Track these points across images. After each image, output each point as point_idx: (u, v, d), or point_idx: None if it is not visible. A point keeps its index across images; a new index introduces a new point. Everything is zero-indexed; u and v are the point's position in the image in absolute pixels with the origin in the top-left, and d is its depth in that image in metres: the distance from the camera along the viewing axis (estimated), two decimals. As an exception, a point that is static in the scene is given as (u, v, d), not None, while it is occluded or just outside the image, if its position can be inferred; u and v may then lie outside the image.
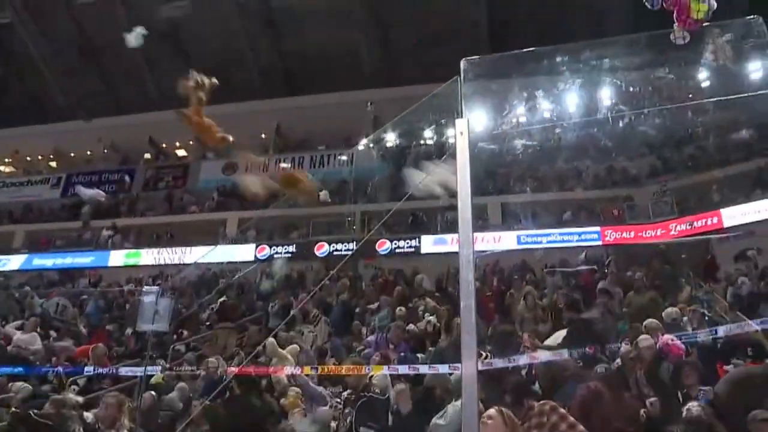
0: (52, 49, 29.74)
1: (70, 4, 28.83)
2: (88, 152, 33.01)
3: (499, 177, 22.76)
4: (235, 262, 21.33)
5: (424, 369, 8.75)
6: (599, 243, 20.11)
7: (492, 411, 4.06)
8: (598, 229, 20.62)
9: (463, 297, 3.71)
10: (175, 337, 13.10)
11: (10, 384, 9.92)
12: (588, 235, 20.54)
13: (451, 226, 20.94)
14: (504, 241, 20.35)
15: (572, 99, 7.10)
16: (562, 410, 4.23)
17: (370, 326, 12.71)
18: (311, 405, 7.89)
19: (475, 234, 3.99)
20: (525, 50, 5.00)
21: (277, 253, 22.29)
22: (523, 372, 7.95)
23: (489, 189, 22.28)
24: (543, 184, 22.89)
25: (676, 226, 19.54)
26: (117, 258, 25.23)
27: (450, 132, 21.00)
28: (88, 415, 7.20)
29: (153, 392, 9.25)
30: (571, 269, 15.87)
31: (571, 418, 4.16)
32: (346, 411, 7.76)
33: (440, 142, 22.94)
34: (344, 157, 26.33)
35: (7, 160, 34.19)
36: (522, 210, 20.79)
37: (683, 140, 22.44)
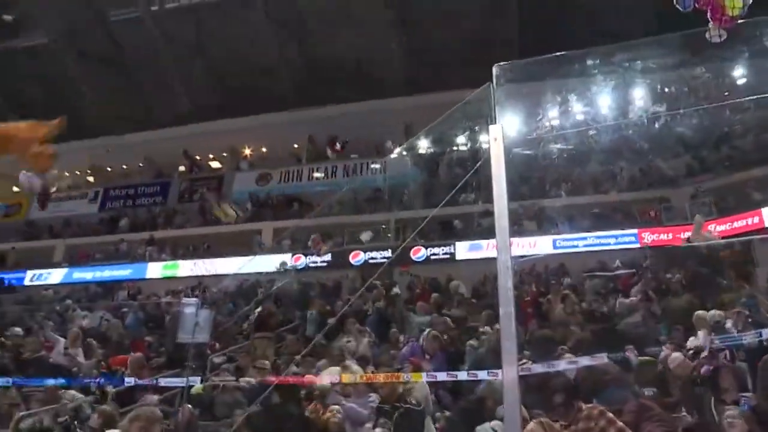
0: (87, 66, 30.23)
1: (104, 22, 29.32)
2: (124, 166, 33.53)
3: (533, 181, 22.55)
4: (272, 272, 21.44)
5: (462, 376, 8.71)
6: (636, 245, 19.84)
7: (532, 424, 4.04)
8: (635, 231, 20.33)
9: (502, 304, 3.70)
10: (209, 351, 13.19)
11: (62, 391, 10.12)
12: (625, 238, 20.28)
13: (486, 232, 20.88)
14: (540, 246, 20.22)
15: (606, 101, 7.05)
16: (610, 414, 4.19)
17: (408, 335, 12.69)
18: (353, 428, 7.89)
19: (511, 239, 3.98)
20: (557, 54, 4.97)
21: (313, 262, 22.36)
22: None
23: (524, 194, 22.13)
24: (578, 187, 22.63)
25: (715, 227, 19.21)
26: (155, 270, 25.53)
27: (483, 138, 20.89)
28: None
29: (190, 405, 9.32)
30: (609, 273, 15.68)
31: (620, 423, 4.11)
32: (381, 421, 7.72)
33: (474, 149, 22.86)
34: (377, 165, 26.36)
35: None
36: (558, 214, 20.58)
37: (721, 139, 22.01)
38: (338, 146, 28.46)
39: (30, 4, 27.93)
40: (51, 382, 10.84)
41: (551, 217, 20.63)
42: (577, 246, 20.29)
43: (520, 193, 20.71)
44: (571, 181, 22.66)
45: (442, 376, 8.69)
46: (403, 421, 7.48)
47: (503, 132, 4.03)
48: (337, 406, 8.06)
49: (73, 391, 10.26)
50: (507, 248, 3.87)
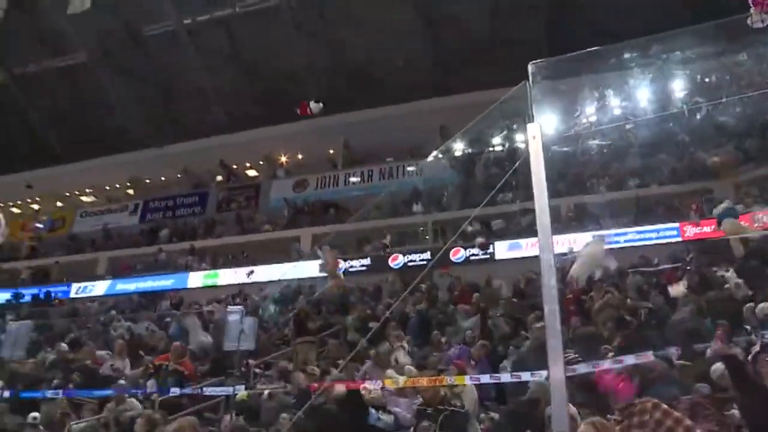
0: (124, 82, 30.70)
1: (138, 39, 29.77)
2: (162, 178, 33.99)
3: (571, 177, 22.28)
4: (312, 278, 21.54)
5: (506, 378, 8.64)
6: (678, 239, 19.47)
7: (583, 426, 3.98)
8: (677, 225, 19.92)
9: (547, 302, 3.67)
10: (249, 361, 13.29)
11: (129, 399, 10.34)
12: (667, 232, 19.91)
13: (525, 231, 20.72)
14: (580, 242, 19.88)
15: (644, 94, 6.95)
16: (665, 406, 4.11)
17: (450, 337, 12.64)
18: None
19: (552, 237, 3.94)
20: (592, 49, 4.91)
21: (352, 266, 22.41)
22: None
23: (561, 191, 21.91)
24: (618, 182, 22.29)
25: (762, 217, 18.67)
26: (196, 279, 25.81)
27: (519, 137, 20.84)
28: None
29: (235, 412, 9.41)
30: (652, 269, 15.45)
31: (676, 414, 4.04)
32: (425, 424, 7.67)
33: (510, 148, 22.72)
34: (412, 168, 26.35)
35: (87, 190, 35.45)
36: (598, 210, 20.28)
37: (765, 127, 21.43)
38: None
39: (68, 23, 28.43)
40: (100, 392, 11.06)
41: (592, 213, 20.35)
42: (618, 242, 19.96)
43: (557, 190, 20.50)
44: (610, 176, 22.34)
45: (485, 379, 8.63)
46: (449, 423, 7.44)
47: (541, 130, 4.00)
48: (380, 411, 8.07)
49: (133, 399, 10.48)
50: (549, 246, 3.83)
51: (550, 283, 3.72)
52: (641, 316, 11.23)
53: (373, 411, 7.79)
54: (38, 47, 30.83)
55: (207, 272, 25.95)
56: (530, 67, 4.30)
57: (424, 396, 8.16)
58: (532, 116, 4.08)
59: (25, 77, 31.71)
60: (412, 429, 7.91)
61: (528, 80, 4.25)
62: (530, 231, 20.11)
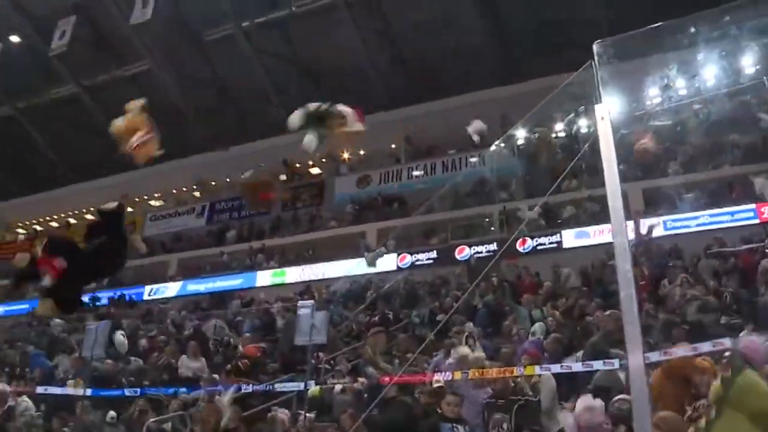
0: (186, 87, 31.27)
1: (199, 44, 30.30)
2: (228, 179, 34.51)
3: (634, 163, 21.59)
4: (379, 273, 21.59)
5: (577, 367, 8.49)
6: (755, 221, 18.72)
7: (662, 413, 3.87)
8: (753, 206, 19.10)
9: (622, 287, 3.56)
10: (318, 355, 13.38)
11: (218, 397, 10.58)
12: (742, 214, 19.14)
13: (591, 218, 20.34)
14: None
15: (714, 70, 6.69)
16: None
17: (520, 329, 12.50)
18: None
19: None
20: (657, 25, 4.75)
21: (418, 260, 22.38)
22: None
23: (630, 175, 21.35)
24: (688, 163, 21.51)
25: None
26: (264, 278, 26.15)
27: (582, 122, 20.40)
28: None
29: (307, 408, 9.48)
30: (730, 249, 14.92)
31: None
32: (497, 417, 7.54)
33: (574, 134, 22.32)
34: (475, 159, 26.11)
35: (156, 194, 36.29)
36: (668, 194, 19.67)
37: None
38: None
39: (132, 32, 29.10)
40: (179, 390, 11.33)
41: (664, 196, 19.75)
42: (689, 226, 19.37)
43: (625, 175, 19.92)
44: (681, 158, 21.60)
45: (555, 369, 8.48)
46: (523, 414, 7.33)
47: (609, 111, 3.89)
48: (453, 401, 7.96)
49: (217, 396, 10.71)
50: (623, 230, 3.72)
51: (624, 267, 3.61)
52: (726, 299, 10.90)
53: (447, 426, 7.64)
54: (104, 58, 31.71)
55: (275, 270, 26.25)
56: (595, 47, 4.18)
57: (494, 388, 8.04)
58: (600, 97, 3.97)
59: (93, 88, 32.64)
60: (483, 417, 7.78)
61: (594, 60, 4.13)
62: (597, 218, 19.79)
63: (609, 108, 3.91)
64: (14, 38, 31.24)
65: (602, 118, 3.86)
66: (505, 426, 7.28)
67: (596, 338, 9.39)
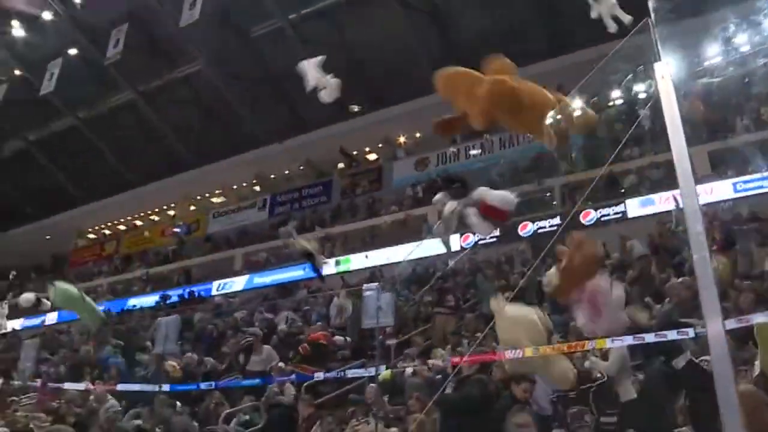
0: (239, 83, 31.60)
1: (247, 40, 30.55)
2: (286, 172, 34.83)
3: (701, 123, 20.90)
4: (442, 254, 21.49)
5: (650, 338, 8.25)
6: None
7: (744, 387, 3.72)
8: (832, 165, 18.13)
9: (695, 249, 3.41)
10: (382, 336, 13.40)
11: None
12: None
13: (656, 186, 19.83)
14: (718, 191, 18.72)
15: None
16: None
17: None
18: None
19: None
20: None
21: (481, 239, 22.17)
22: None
23: (692, 139, 20.64)
24: (757, 122, 20.62)
25: None
26: (328, 267, 26.28)
27: (639, 87, 19.87)
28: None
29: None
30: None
31: None
32: (574, 411, 7.25)
33: (631, 101, 21.82)
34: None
35: (217, 192, 36.88)
36: (735, 155, 18.90)
37: None
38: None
39: (181, 35, 29.50)
40: (250, 382, 11.52)
41: (732, 156, 19.01)
42: (763, 187, 18.55)
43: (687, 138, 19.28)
44: (749, 116, 20.72)
45: (628, 340, 8.27)
46: (601, 397, 7.10)
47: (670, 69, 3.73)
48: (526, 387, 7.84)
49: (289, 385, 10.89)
50: (693, 191, 3.56)
51: (696, 229, 3.46)
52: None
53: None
54: (157, 62, 32.28)
55: (339, 258, 26.40)
56: (651, 3, 4.01)
57: (557, 381, 7.75)
58: (659, 55, 3.81)
59: (149, 93, 33.30)
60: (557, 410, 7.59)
61: (650, 18, 3.97)
62: (662, 185, 19.30)
63: (669, 66, 3.75)
64: (72, 51, 32.06)
65: (662, 77, 3.70)
66: (587, 418, 6.96)
67: (669, 307, 9.16)
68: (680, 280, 9.71)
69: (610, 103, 24.12)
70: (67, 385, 13.42)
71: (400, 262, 21.61)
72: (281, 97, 31.22)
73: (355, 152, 33.20)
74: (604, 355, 7.90)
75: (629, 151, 21.28)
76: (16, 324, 31.47)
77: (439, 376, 9.52)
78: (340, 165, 33.52)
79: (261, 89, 31.33)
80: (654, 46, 3.85)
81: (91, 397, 11.94)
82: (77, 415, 11.10)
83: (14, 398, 12.56)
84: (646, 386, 7.65)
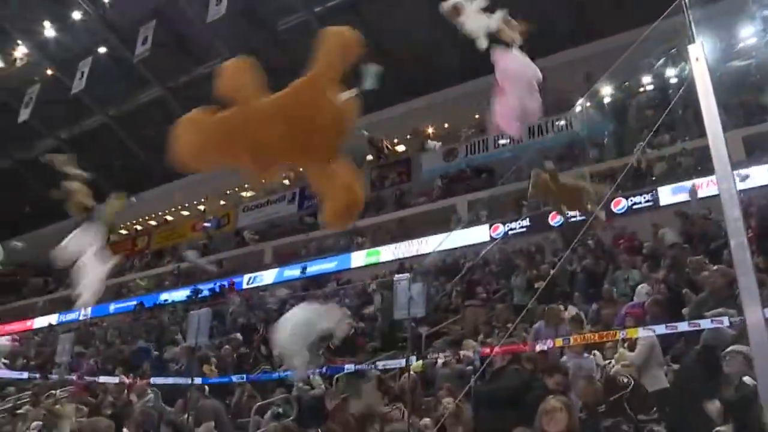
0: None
1: (274, 33, 30.64)
2: (316, 164, 34.88)
3: (734, 108, 20.46)
4: (472, 245, 21.42)
5: (683, 327, 8.12)
6: None
7: None
8: None
9: (732, 235, 3.32)
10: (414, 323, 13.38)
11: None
12: None
13: (688, 173, 19.52)
14: (755, 178, 18.19)
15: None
16: None
17: (620, 291, 12.17)
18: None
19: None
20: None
21: (511, 229, 22.04)
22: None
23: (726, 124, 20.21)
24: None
25: None
26: (358, 259, 26.36)
27: (670, 72, 19.55)
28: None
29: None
30: None
31: None
32: (609, 423, 6.94)
33: (662, 87, 21.52)
34: (562, 122, 25.46)
35: (246, 186, 37.11)
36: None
37: None
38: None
39: (208, 30, 29.68)
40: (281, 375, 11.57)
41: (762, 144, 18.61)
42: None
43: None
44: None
45: (660, 329, 8.15)
46: (638, 402, 6.90)
47: (704, 49, 3.62)
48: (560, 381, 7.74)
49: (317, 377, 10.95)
50: (729, 175, 3.46)
51: (733, 215, 3.36)
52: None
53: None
54: (184, 58, 32.52)
55: (369, 250, 26.42)
56: (685, -17, 3.89)
57: (585, 399, 7.06)
58: (693, 37, 3.71)
59: (177, 89, 33.54)
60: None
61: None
62: (694, 173, 19.01)
63: (704, 48, 3.65)
64: (101, 50, 32.43)
65: (697, 59, 3.60)
66: (624, 427, 6.36)
67: (703, 296, 8.97)
68: (715, 267, 9.53)
69: (641, 89, 23.83)
70: (102, 379, 13.63)
71: (429, 254, 21.57)
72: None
73: (383, 144, 33.17)
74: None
75: (661, 138, 20.97)
76: (52, 319, 32.08)
77: (470, 367, 9.48)
78: (369, 157, 33.49)
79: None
80: (688, 28, 3.75)
81: (126, 391, 12.09)
82: (113, 408, 11.26)
83: (52, 392, 12.81)
84: (680, 377, 7.52)
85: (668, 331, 8.09)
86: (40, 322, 33.16)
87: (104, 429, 6.85)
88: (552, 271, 12.25)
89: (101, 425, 6.39)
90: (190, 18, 30.35)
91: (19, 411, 12.69)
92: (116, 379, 13.05)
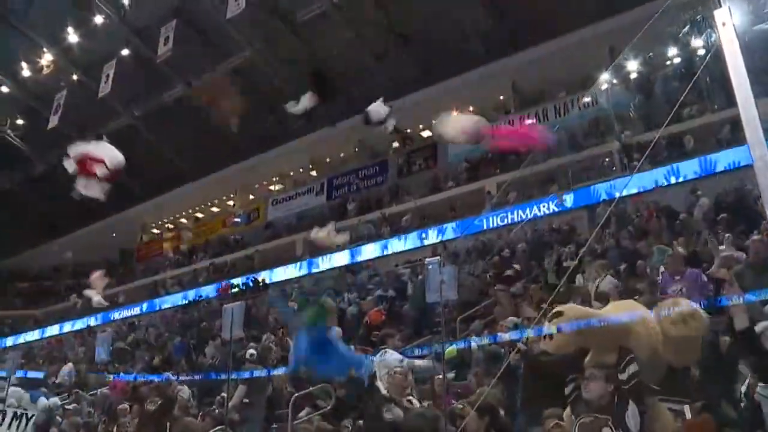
0: (288, 69, 31.73)
1: (294, 25, 30.66)
2: (341, 155, 34.96)
3: (763, 73, 20.07)
4: (502, 227, 21.36)
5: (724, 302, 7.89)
6: None
7: None
8: None
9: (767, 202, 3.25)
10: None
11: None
12: None
13: (717, 145, 19.30)
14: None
15: None
16: None
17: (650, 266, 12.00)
18: None
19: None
20: None
21: (541, 209, 21.88)
22: None
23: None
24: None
25: None
26: (390, 246, 26.34)
27: (696, 43, 19.19)
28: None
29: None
30: None
31: None
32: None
33: (688, 58, 21.15)
34: (587, 99, 25.19)
35: (274, 179, 37.30)
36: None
37: None
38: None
39: (228, 25, 29.79)
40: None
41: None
42: None
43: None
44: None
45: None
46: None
47: (731, 14, 3.54)
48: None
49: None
50: (761, 142, 3.37)
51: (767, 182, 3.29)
52: None
53: None
54: (207, 55, 32.71)
55: (399, 237, 26.40)
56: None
57: None
58: (719, 1, 3.62)
59: (201, 86, 33.75)
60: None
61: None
62: (724, 144, 18.78)
63: (731, 13, 3.56)
64: (125, 52, 32.71)
65: (723, 24, 3.52)
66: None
67: (740, 267, 8.78)
68: (758, 236, 9.34)
69: (668, 62, 23.48)
70: (140, 376, 13.81)
71: (458, 237, 21.53)
72: (331, 78, 31.29)
73: (408, 130, 33.11)
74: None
75: (689, 110, 20.67)
76: (90, 321, 32.60)
77: (503, 350, 9.40)
78: (395, 144, 33.46)
79: (307, 72, 31.48)
80: (714, -8, 3.67)
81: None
82: (157, 403, 11.41)
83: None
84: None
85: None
86: (79, 324, 33.65)
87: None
88: (581, 251, 12.14)
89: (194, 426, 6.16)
90: (210, 15, 30.52)
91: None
92: (154, 376, 13.20)
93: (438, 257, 12.41)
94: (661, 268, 10.00)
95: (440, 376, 8.46)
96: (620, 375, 4.04)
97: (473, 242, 20.31)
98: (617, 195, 18.14)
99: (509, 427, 6.91)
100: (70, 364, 18.45)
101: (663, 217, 14.89)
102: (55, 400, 13.51)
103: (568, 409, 4.51)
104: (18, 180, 40.32)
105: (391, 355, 8.81)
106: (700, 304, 7.67)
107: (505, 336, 9.48)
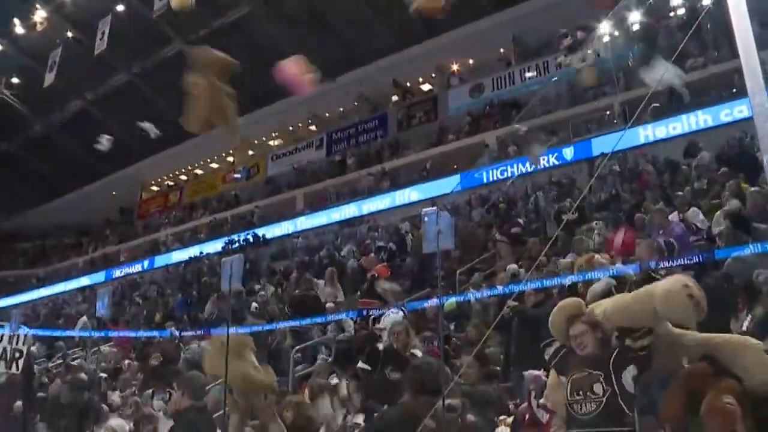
0: (287, 23, 31.35)
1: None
2: (341, 109, 34.71)
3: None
4: (500, 180, 21.33)
5: (720, 255, 7.88)
6: None
7: None
8: None
9: (766, 150, 3.19)
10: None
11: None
12: None
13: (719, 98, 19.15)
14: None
15: None
16: None
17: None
18: None
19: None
20: None
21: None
22: None
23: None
24: None
25: None
26: (390, 200, 26.31)
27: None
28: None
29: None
30: None
31: None
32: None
33: (692, 7, 20.85)
34: (589, 51, 24.83)
35: (273, 134, 37.06)
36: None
37: None
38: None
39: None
40: (318, 320, 11.69)
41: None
42: None
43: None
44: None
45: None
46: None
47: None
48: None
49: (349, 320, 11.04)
50: (762, 90, 3.30)
51: (767, 129, 3.23)
52: None
53: None
54: (204, 10, 32.23)
55: (399, 191, 26.35)
56: None
57: None
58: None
59: (198, 42, 33.27)
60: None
61: None
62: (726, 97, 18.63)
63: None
64: (120, 7, 32.17)
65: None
66: None
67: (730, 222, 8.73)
68: (753, 188, 9.33)
69: (671, 14, 23.15)
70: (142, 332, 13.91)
71: (455, 189, 21.50)
72: (330, 34, 30.95)
73: (408, 84, 32.85)
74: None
75: (692, 61, 20.45)
76: (91, 278, 32.79)
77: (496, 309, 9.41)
78: (395, 98, 33.21)
79: (310, 28, 31.12)
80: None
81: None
82: (160, 358, 11.53)
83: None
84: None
85: (690, 263, 7.83)
86: (82, 282, 33.82)
87: None
88: (575, 204, 12.14)
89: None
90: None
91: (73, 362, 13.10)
92: (155, 332, 13.29)
93: (434, 207, 12.39)
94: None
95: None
96: (634, 342, 3.99)
97: (472, 195, 20.34)
98: (616, 148, 17.98)
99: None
100: (84, 317, 18.56)
101: (664, 169, 14.87)
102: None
103: (552, 372, 4.48)
104: (17, 141, 40.08)
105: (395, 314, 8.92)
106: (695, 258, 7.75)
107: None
